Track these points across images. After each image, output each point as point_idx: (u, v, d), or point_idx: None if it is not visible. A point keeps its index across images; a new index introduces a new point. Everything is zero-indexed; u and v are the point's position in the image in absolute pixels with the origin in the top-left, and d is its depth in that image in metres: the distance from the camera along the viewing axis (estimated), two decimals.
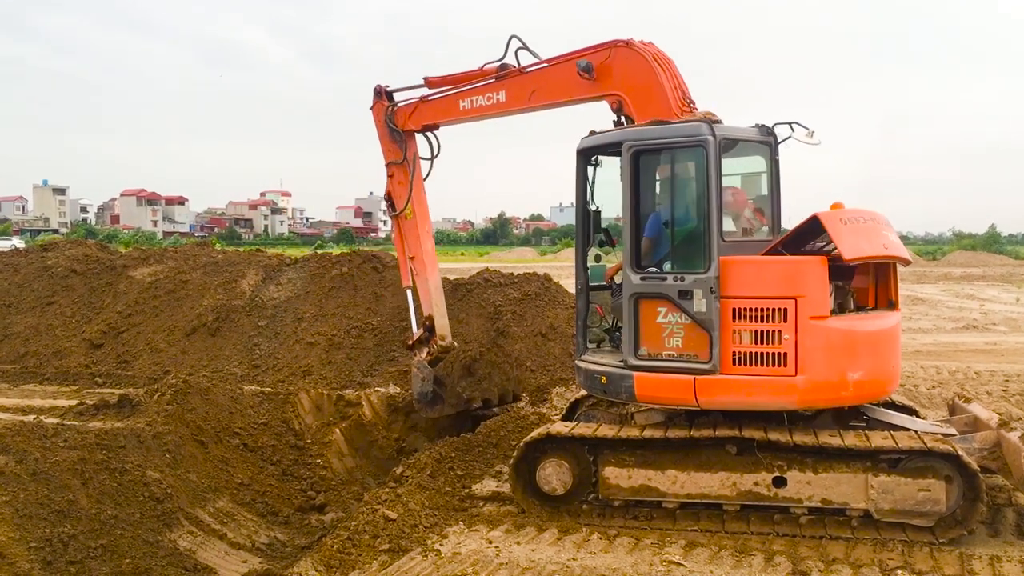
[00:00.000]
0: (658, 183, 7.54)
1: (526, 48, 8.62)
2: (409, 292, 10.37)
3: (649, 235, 7.35)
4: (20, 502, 6.44)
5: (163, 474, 7.72)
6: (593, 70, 7.79)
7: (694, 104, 7.52)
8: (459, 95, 9.12)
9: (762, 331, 6.70)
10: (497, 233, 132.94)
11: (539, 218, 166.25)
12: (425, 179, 10.07)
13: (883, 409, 7.43)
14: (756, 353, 6.71)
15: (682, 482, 6.95)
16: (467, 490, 7.91)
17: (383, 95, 9.90)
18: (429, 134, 9.89)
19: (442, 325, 10.08)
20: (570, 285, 11.34)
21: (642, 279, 7.15)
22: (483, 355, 10.71)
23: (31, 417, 9.32)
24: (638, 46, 7.61)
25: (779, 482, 6.75)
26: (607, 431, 7.14)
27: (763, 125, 7.45)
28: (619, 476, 7.08)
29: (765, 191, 7.82)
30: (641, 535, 6.73)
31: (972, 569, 5.96)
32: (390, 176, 10.15)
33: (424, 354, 10.05)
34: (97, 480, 7.13)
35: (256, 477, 8.87)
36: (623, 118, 7.79)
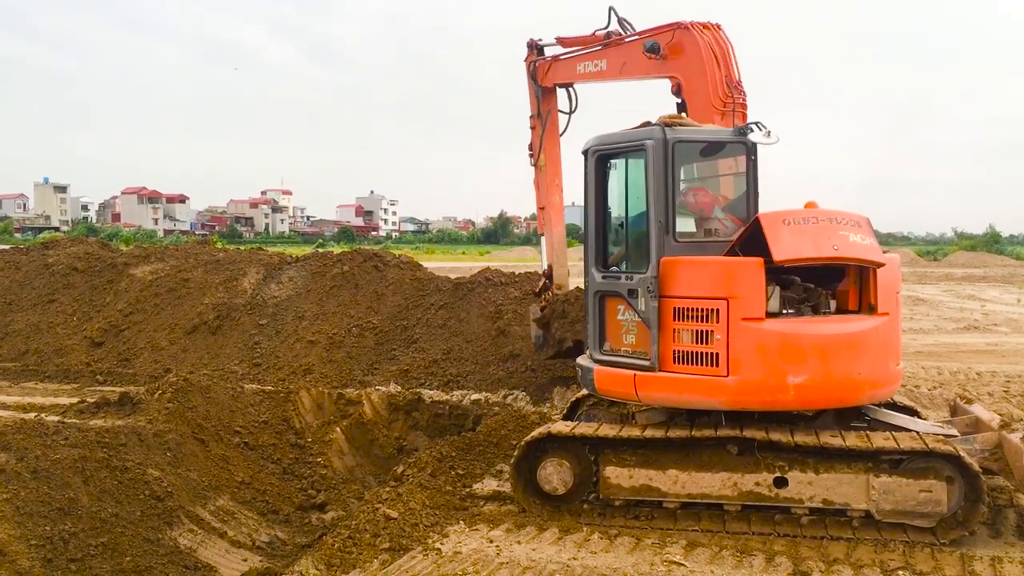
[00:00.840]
0: (615, 185, 7.76)
1: (620, 20, 8.74)
2: (543, 239, 11.27)
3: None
4: (21, 500, 6.44)
5: (164, 472, 7.73)
6: (660, 50, 7.86)
7: (741, 95, 7.48)
8: (577, 58, 9.42)
9: (698, 331, 6.82)
10: (498, 232, 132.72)
11: None
12: (562, 134, 10.36)
13: (885, 410, 7.42)
14: (693, 352, 6.85)
15: (683, 482, 6.94)
16: (468, 489, 7.91)
17: (533, 48, 10.15)
18: (569, 89, 10.12)
19: (560, 275, 11.05)
20: (570, 284, 11.35)
21: (603, 278, 7.51)
22: (578, 298, 10.90)
23: (32, 415, 9.33)
24: (696, 31, 7.62)
25: (780, 482, 6.74)
26: (608, 431, 7.13)
27: (740, 127, 7.38)
28: (620, 476, 7.08)
29: (740, 191, 7.79)
30: (642, 535, 6.72)
31: (973, 570, 5.95)
32: (532, 128, 10.72)
33: (541, 300, 11.03)
34: (98, 478, 7.13)
35: (257, 475, 8.87)
36: (683, 101, 7.89)
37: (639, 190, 7.37)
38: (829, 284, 7.13)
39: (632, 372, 7.13)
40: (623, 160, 7.54)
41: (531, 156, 10.98)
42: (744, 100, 7.66)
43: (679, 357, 6.92)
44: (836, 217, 6.88)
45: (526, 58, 10.43)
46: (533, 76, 10.19)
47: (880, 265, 6.90)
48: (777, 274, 6.80)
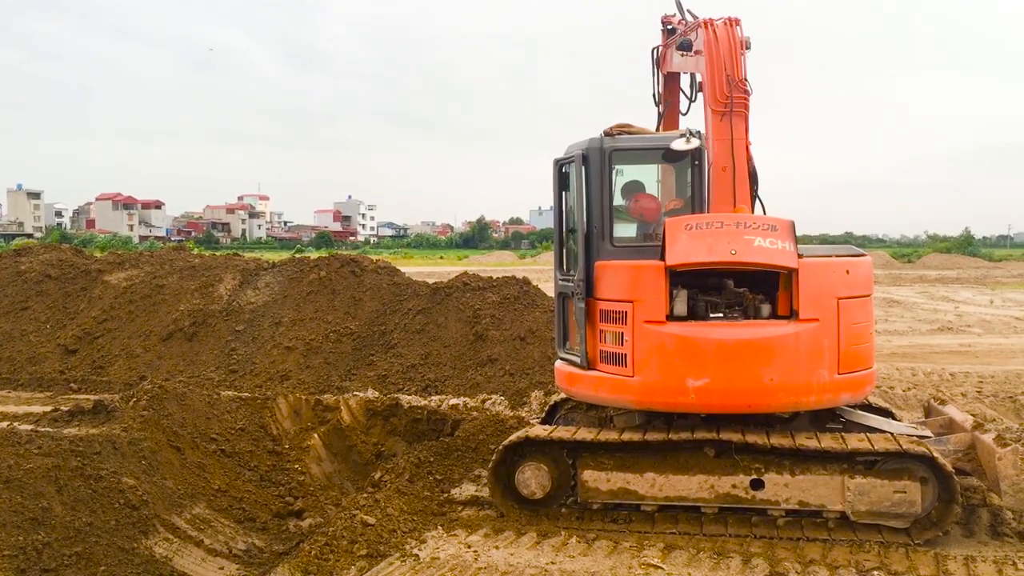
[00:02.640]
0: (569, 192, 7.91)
1: (680, 10, 8.39)
2: None
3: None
4: None
5: (139, 481, 7.64)
6: (691, 47, 7.80)
7: (743, 95, 7.27)
8: (673, 47, 8.65)
9: (615, 332, 7.07)
10: (476, 237, 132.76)
11: (518, 221, 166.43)
12: (685, 114, 9.16)
13: (859, 411, 7.49)
14: (611, 352, 7.12)
15: (660, 485, 6.97)
16: (446, 495, 7.89)
17: (665, 27, 9.04)
18: (693, 75, 9.03)
19: None
20: (549, 288, 11.36)
21: (561, 279, 7.87)
22: None
23: (4, 424, 9.21)
24: (711, 27, 7.47)
25: (756, 484, 6.79)
26: (586, 434, 7.16)
27: (690, 132, 7.37)
28: (598, 479, 7.09)
29: (686, 195, 7.83)
30: (620, 538, 6.74)
31: (947, 569, 6.01)
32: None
33: None
34: (72, 487, 7.05)
35: (233, 483, 8.79)
36: None
37: (575, 196, 7.65)
38: (767, 289, 7.03)
39: (569, 369, 7.62)
40: (572, 169, 7.71)
41: None
42: (744, 100, 7.32)
43: (604, 357, 7.20)
44: (745, 221, 6.85)
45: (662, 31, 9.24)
46: (657, 63, 9.09)
47: (788, 270, 6.73)
48: (692, 278, 6.90)
